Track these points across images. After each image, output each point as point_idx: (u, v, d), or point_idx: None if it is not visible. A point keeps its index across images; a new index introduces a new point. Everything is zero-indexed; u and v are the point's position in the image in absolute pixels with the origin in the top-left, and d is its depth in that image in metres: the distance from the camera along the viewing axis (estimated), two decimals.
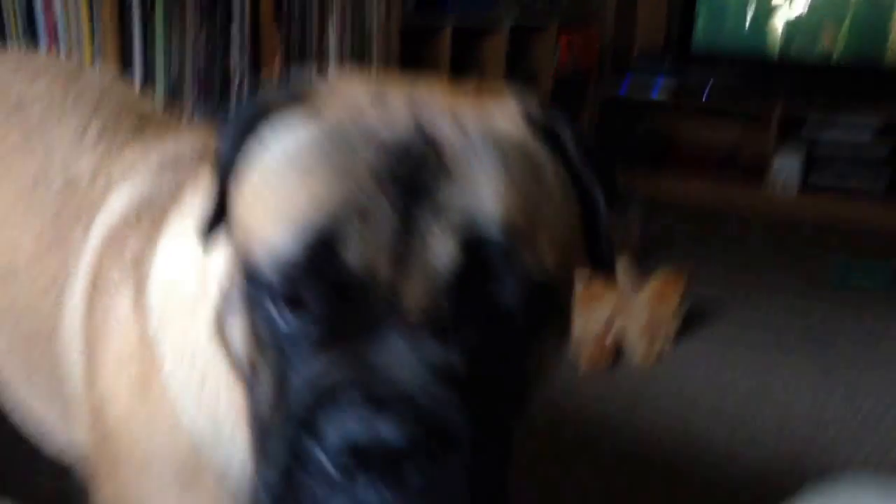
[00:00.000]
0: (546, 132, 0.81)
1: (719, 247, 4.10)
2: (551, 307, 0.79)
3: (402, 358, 0.71)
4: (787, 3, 4.86)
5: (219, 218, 0.85)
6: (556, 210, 0.79)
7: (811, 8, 4.82)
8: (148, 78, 2.60)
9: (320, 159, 0.75)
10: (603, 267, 0.87)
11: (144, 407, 0.95)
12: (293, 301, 0.74)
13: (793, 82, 4.81)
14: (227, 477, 0.93)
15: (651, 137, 5.19)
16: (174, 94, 2.69)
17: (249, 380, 0.81)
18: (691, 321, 2.99)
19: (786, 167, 4.78)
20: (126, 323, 0.99)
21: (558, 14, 4.73)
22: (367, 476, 0.69)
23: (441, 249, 0.72)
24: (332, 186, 0.73)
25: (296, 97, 0.82)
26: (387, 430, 0.68)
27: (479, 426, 0.72)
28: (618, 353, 2.77)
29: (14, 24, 2.27)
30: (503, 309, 0.74)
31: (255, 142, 0.82)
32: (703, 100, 4.91)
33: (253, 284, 0.77)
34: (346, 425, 0.68)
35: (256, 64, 2.93)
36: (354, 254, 0.72)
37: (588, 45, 4.92)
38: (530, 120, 0.81)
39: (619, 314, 2.79)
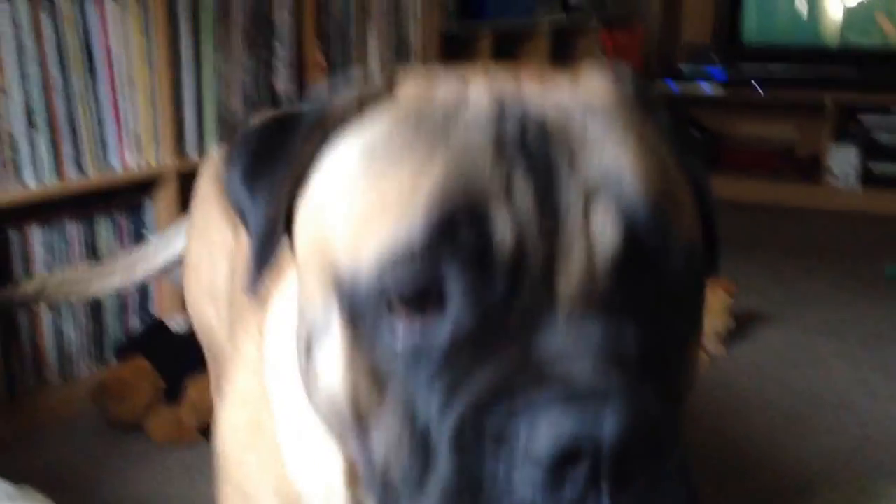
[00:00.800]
0: (644, 106, 0.75)
1: (777, 245, 4.05)
2: (702, 281, 0.70)
3: (577, 348, 0.60)
4: None
5: (272, 248, 0.75)
6: (678, 181, 0.72)
7: None
8: (200, 103, 2.68)
9: (418, 141, 0.67)
10: (711, 258, 0.77)
11: (257, 447, 0.90)
12: (419, 303, 0.63)
13: (848, 72, 4.71)
14: None
15: (704, 136, 5.14)
16: (225, 118, 2.76)
17: (355, 430, 0.69)
18: (745, 323, 2.97)
19: (844, 160, 4.69)
20: (250, 364, 0.95)
21: (601, 14, 4.71)
22: (585, 485, 0.57)
23: (601, 225, 0.63)
24: (445, 164, 0.65)
25: (362, 94, 0.74)
26: (609, 424, 0.56)
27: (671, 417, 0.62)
28: None
29: (76, 55, 2.36)
30: (666, 284, 0.65)
31: (317, 150, 0.74)
32: (757, 94, 4.84)
33: (357, 302, 0.65)
34: (558, 425, 0.57)
35: (302, 81, 2.99)
36: (503, 230, 0.62)
37: (632, 45, 4.89)
38: (625, 92, 0.74)
39: None
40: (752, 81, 4.87)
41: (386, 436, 0.66)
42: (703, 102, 5.09)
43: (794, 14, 4.89)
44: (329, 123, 0.73)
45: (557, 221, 0.63)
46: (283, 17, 2.89)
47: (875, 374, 2.67)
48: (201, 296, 1.47)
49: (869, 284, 3.46)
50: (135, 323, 2.63)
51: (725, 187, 4.84)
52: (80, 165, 2.40)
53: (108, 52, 2.43)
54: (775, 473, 2.14)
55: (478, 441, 0.59)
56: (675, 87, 5.05)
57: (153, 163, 2.56)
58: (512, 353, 0.61)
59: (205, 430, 2.27)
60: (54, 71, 2.32)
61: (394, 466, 0.65)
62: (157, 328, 2.52)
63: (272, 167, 0.75)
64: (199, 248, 1.49)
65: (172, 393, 2.32)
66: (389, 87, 0.74)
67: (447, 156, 0.65)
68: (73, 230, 2.47)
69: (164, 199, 2.60)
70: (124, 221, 2.59)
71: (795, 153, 5.03)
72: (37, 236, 2.39)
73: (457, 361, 0.62)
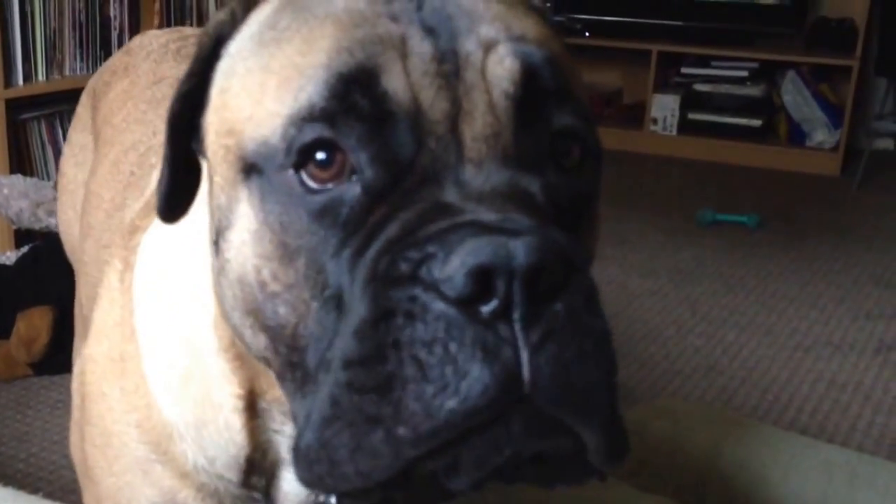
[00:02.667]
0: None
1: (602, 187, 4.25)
2: (597, 148, 0.72)
3: (486, 191, 0.62)
4: None
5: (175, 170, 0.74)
6: (568, 56, 0.75)
7: None
8: (27, 30, 2.57)
9: (305, 15, 0.68)
10: None
11: (120, 379, 0.88)
12: (324, 164, 0.64)
13: (673, 23, 4.94)
14: (192, 473, 0.85)
15: None
16: (53, 47, 2.66)
17: (264, 302, 0.67)
18: None
19: (665, 107, 4.96)
20: (112, 295, 0.92)
21: None
22: (498, 313, 0.57)
23: (500, 68, 0.65)
24: (336, 31, 0.65)
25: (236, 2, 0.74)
26: (521, 251, 0.57)
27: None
28: None
29: None
30: (564, 135, 0.68)
31: (205, 65, 0.74)
32: (588, 42, 5.02)
33: (265, 171, 0.66)
34: (471, 252, 0.57)
35: (136, 13, 2.90)
36: (395, 84, 0.63)
37: None
38: None
39: None
40: (583, 30, 5.05)
41: (296, 305, 0.65)
42: None
43: None
44: (209, 39, 0.74)
45: (458, 69, 0.64)
46: None
47: (682, 310, 2.91)
48: (76, 219, 1.41)
49: (680, 226, 3.72)
50: None
51: None
52: None
53: None
54: None
55: (391, 278, 0.59)
56: None
57: None
58: (422, 201, 0.62)
59: (35, 365, 2.24)
60: None
61: (304, 329, 0.64)
62: None
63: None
64: (75, 172, 1.45)
65: (2, 328, 2.27)
66: None
67: (337, 24, 0.65)
68: None
69: None
70: None
71: (622, 99, 5.28)
72: None
73: (367, 218, 0.63)
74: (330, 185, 0.64)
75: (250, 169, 0.67)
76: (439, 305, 0.58)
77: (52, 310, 2.23)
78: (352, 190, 0.63)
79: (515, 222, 0.60)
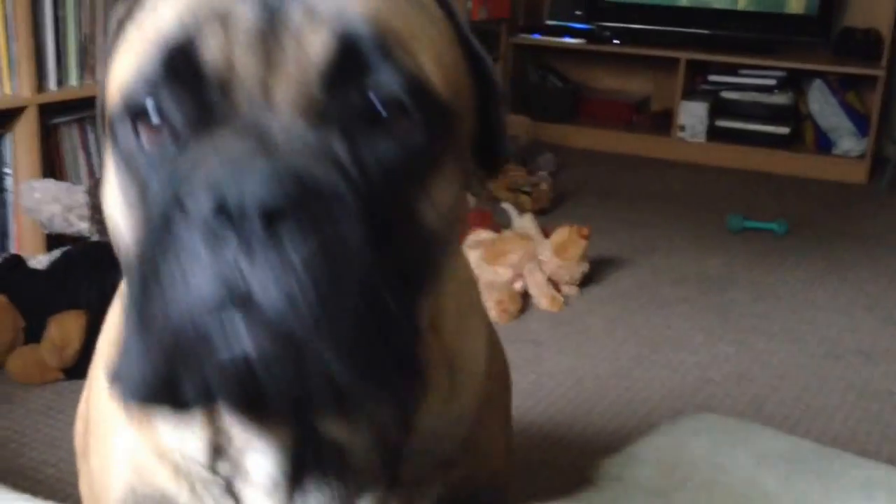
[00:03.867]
0: None
1: (630, 194, 4.25)
2: (441, 125, 0.73)
3: (272, 138, 0.65)
4: None
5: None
6: (438, 32, 0.76)
7: None
8: (59, 35, 2.58)
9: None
10: (496, 151, 0.82)
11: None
12: (152, 128, 0.69)
13: (701, 32, 4.93)
14: (168, 453, 0.85)
15: (566, 87, 5.29)
16: (86, 52, 2.68)
17: (123, 257, 0.74)
18: (598, 266, 3.14)
19: (694, 115, 4.94)
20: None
21: None
22: (238, 241, 0.61)
23: (313, 40, 0.68)
24: (185, 4, 0.70)
25: None
26: (255, 182, 0.60)
27: (369, 216, 0.64)
28: (526, 299, 2.90)
29: None
30: (381, 103, 0.69)
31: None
32: (616, 49, 5.01)
33: (114, 131, 0.73)
34: (208, 185, 0.61)
35: None
36: (212, 51, 0.68)
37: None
38: None
39: (527, 263, 2.92)
40: (613, 37, 5.04)
41: (135, 238, 0.71)
42: (566, 56, 5.24)
43: None
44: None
45: (277, 36, 0.68)
46: None
47: (711, 317, 2.89)
48: None
49: (710, 233, 3.70)
50: None
51: (584, 137, 5.03)
52: None
53: None
54: (622, 410, 2.30)
55: (163, 224, 0.64)
56: (540, 36, 5.17)
57: (9, 93, 2.47)
58: (210, 144, 0.65)
59: (66, 370, 2.25)
60: None
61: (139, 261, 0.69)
62: (15, 265, 2.46)
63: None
64: None
65: (34, 332, 2.28)
66: None
67: (179, 3, 0.70)
68: None
69: (22, 132, 2.51)
70: None
71: (650, 106, 5.27)
72: None
73: (177, 169, 0.66)
74: (157, 144, 0.69)
75: (110, 130, 0.74)
76: (185, 231, 0.62)
77: (84, 314, 2.24)
78: (167, 145, 0.69)
79: (282, 158, 0.63)
